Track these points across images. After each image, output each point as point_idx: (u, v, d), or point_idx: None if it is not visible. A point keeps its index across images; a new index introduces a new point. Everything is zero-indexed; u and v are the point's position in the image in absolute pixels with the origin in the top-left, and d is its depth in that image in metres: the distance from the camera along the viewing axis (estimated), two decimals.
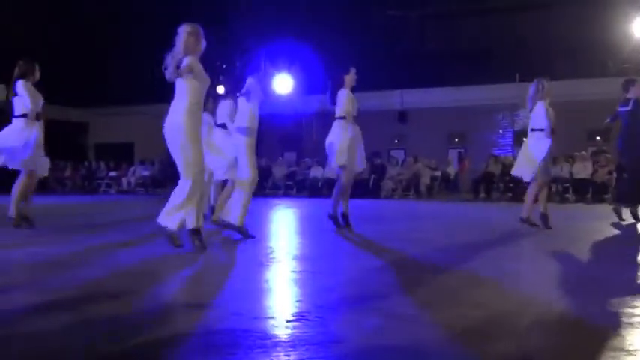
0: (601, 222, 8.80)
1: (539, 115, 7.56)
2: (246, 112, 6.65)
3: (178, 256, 5.12)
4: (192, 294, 3.79)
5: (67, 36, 25.26)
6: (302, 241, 6.74)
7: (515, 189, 16.07)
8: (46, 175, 8.00)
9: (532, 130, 7.69)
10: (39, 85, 7.43)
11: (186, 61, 5.25)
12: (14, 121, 7.26)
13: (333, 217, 7.54)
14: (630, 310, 3.15)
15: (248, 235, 6.50)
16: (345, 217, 7.62)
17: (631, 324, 2.87)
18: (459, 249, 5.89)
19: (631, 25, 18.92)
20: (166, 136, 5.24)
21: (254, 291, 3.77)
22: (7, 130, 7.25)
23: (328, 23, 23.29)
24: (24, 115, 7.22)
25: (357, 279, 4.29)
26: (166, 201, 5.33)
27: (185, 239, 5.36)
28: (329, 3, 23.34)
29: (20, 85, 7.16)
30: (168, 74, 5.30)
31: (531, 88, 7.76)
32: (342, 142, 7.29)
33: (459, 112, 22.82)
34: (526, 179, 7.78)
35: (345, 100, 7.35)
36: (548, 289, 3.85)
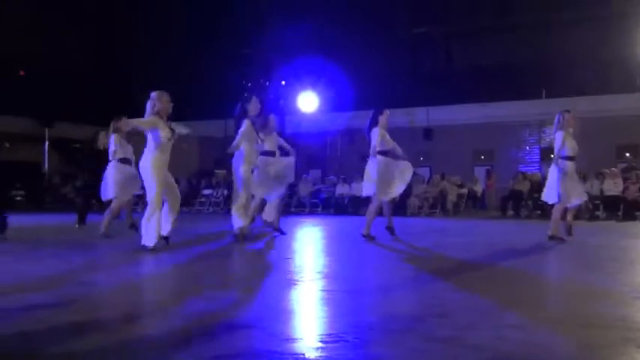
0: (633, 239, 8.64)
1: (556, 143, 8.31)
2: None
3: (206, 272, 5.11)
4: (227, 313, 3.77)
5: (87, 55, 25.70)
6: (330, 259, 6.70)
7: (544, 206, 15.86)
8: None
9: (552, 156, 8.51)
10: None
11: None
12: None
13: (366, 236, 8.39)
14: None
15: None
16: (390, 229, 8.79)
17: None
18: (490, 267, 5.80)
19: None
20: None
21: (287, 311, 3.74)
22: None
23: (354, 41, 23.36)
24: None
25: (390, 298, 4.23)
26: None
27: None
28: (354, 21, 23.41)
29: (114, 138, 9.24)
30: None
31: (555, 118, 8.45)
32: (378, 179, 8.32)
33: (485, 129, 22.67)
34: (550, 201, 8.41)
35: (377, 139, 8.40)
36: (583, 309, 3.76)
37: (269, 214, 9.13)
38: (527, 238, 9.37)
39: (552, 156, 8.45)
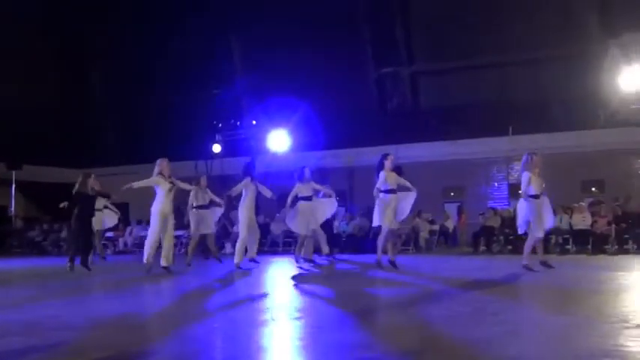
0: (607, 272, 8.75)
1: (523, 182, 9.23)
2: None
3: (176, 313, 5.02)
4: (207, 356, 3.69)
5: (63, 96, 25.49)
6: (304, 297, 6.64)
7: (515, 242, 16.03)
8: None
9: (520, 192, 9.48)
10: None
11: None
12: None
13: (377, 264, 10.11)
14: None
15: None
16: (392, 262, 10.20)
17: None
18: (477, 301, 5.80)
19: (619, 77, 19.30)
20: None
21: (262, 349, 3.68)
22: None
23: (323, 81, 23.60)
24: None
25: (368, 338, 4.19)
26: None
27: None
28: (323, 60, 23.68)
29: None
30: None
31: (522, 159, 9.42)
32: (382, 212, 10.04)
33: (454, 166, 22.92)
34: (520, 232, 9.58)
35: (381, 179, 10.13)
36: (578, 341, 3.77)
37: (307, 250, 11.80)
38: (504, 273, 9.42)
39: (520, 192, 9.36)
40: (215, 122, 22.90)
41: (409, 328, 4.48)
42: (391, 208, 10.08)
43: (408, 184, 10.45)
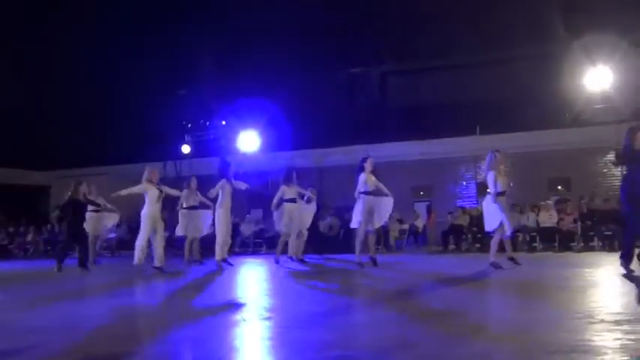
0: (573, 268, 8.90)
1: (489, 181, 9.35)
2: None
3: (147, 315, 4.98)
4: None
5: (28, 97, 25.07)
6: (274, 297, 6.64)
7: (483, 240, 16.23)
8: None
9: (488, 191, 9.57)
10: None
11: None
12: None
13: (358, 263, 10.25)
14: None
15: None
16: (373, 259, 10.44)
17: None
18: (446, 298, 5.86)
19: (584, 78, 19.69)
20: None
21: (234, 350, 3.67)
22: None
23: (293, 81, 23.60)
24: None
25: (337, 337, 4.20)
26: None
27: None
28: (294, 61, 23.68)
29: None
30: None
31: (487, 158, 9.59)
32: (361, 213, 10.31)
33: (423, 166, 23.10)
34: (488, 229, 9.62)
35: (361, 181, 10.39)
36: (545, 336, 3.83)
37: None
38: (472, 271, 9.52)
39: (488, 191, 9.47)
40: (184, 123, 22.76)
41: (378, 326, 4.51)
42: (369, 210, 10.39)
43: (385, 189, 10.67)
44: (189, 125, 22.81)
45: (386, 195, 10.68)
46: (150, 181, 10.66)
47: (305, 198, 12.95)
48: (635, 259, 8.07)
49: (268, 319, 4.93)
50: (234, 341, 4.04)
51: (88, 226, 12.94)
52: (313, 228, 14.00)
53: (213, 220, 11.51)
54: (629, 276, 7.49)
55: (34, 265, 15.94)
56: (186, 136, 23.02)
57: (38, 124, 24.97)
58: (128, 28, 24.19)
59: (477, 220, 16.44)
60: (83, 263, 11.54)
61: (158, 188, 10.65)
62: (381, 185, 10.67)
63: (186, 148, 23.07)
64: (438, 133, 22.72)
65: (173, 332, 4.48)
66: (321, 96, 24.48)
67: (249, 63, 23.64)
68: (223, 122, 22.82)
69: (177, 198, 12.43)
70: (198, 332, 4.46)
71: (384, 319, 4.81)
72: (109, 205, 13.98)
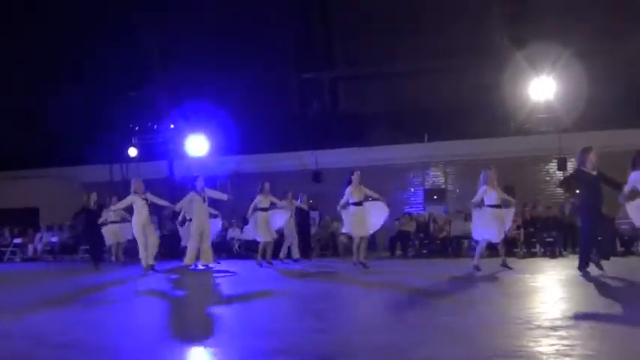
0: (515, 274, 9.09)
1: (478, 194, 10.71)
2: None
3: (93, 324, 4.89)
4: None
5: None
6: (222, 304, 6.60)
7: (429, 246, 16.51)
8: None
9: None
10: None
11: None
12: None
13: (355, 264, 11.74)
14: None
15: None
16: (362, 263, 11.72)
17: None
18: (383, 307, 5.92)
19: (528, 87, 20.20)
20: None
21: None
22: None
23: (243, 85, 23.49)
24: None
25: (283, 344, 4.21)
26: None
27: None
28: (244, 65, 23.55)
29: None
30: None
31: (481, 175, 10.89)
32: (349, 220, 11.70)
33: (371, 172, 23.19)
34: (476, 238, 11.21)
35: (347, 194, 11.70)
36: (486, 342, 3.91)
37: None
38: (418, 277, 9.65)
39: (472, 201, 10.87)
40: (131, 125, 22.36)
41: (323, 333, 4.53)
42: (358, 218, 11.65)
43: (375, 194, 12.07)
44: (137, 128, 22.42)
45: (377, 199, 12.00)
46: (135, 192, 11.90)
47: (278, 206, 14.03)
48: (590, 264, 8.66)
49: (214, 325, 4.90)
50: (178, 348, 4.00)
51: (108, 234, 14.93)
52: (304, 232, 15.53)
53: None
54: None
55: None
56: (133, 139, 22.61)
57: None
58: (78, 27, 23.68)
59: (424, 226, 16.70)
60: (95, 262, 13.80)
61: (144, 198, 11.86)
62: (370, 193, 11.99)
63: (133, 151, 22.65)
64: (386, 139, 22.93)
65: (120, 340, 4.41)
66: (273, 101, 24.42)
67: (199, 66, 23.40)
68: (172, 125, 22.52)
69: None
70: (141, 339, 4.40)
71: (327, 325, 4.83)
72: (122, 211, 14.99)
